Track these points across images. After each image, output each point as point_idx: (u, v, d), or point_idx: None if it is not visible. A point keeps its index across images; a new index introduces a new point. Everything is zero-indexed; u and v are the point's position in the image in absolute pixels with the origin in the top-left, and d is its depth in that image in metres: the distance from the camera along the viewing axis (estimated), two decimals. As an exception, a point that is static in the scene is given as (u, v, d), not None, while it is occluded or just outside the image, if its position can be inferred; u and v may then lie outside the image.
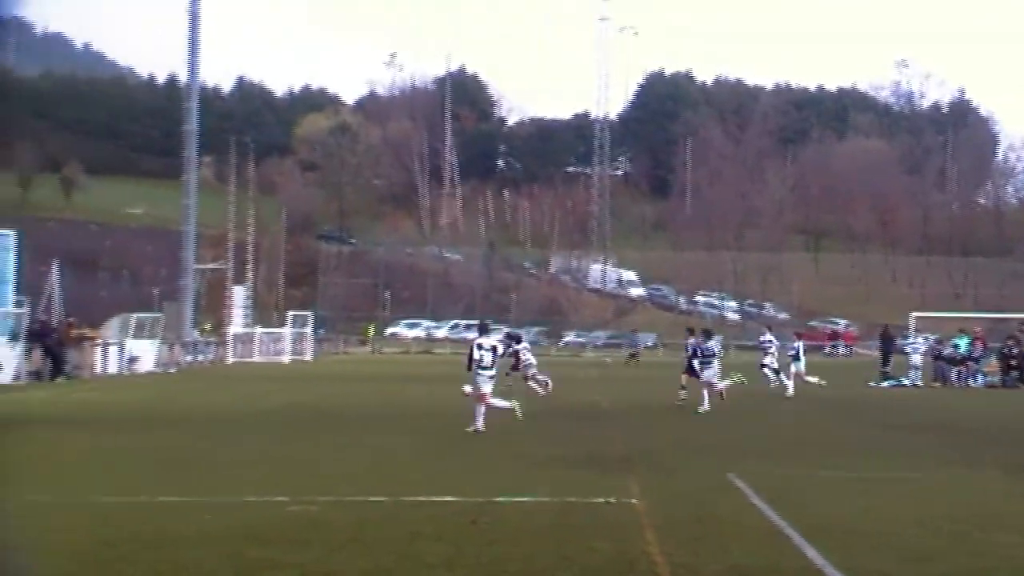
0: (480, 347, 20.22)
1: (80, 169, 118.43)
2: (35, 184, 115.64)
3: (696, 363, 27.09)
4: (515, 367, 30.07)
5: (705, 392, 25.98)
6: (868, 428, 22.95)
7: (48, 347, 36.90)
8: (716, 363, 26.93)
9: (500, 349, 21.73)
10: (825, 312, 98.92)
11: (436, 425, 22.38)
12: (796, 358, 33.30)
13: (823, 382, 33.38)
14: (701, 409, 25.37)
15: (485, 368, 20.03)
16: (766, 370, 32.86)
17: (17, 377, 35.26)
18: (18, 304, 39.99)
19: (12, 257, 39.51)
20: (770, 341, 33.89)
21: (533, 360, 31.15)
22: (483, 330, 21.40)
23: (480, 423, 19.76)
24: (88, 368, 39.56)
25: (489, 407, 20.12)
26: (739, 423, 23.83)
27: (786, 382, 32.09)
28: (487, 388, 20.12)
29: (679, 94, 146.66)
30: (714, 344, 27.96)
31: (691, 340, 28.81)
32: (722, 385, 26.79)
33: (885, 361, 42.52)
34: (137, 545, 9.90)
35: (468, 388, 20.26)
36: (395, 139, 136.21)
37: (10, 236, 39.77)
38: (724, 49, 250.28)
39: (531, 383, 29.55)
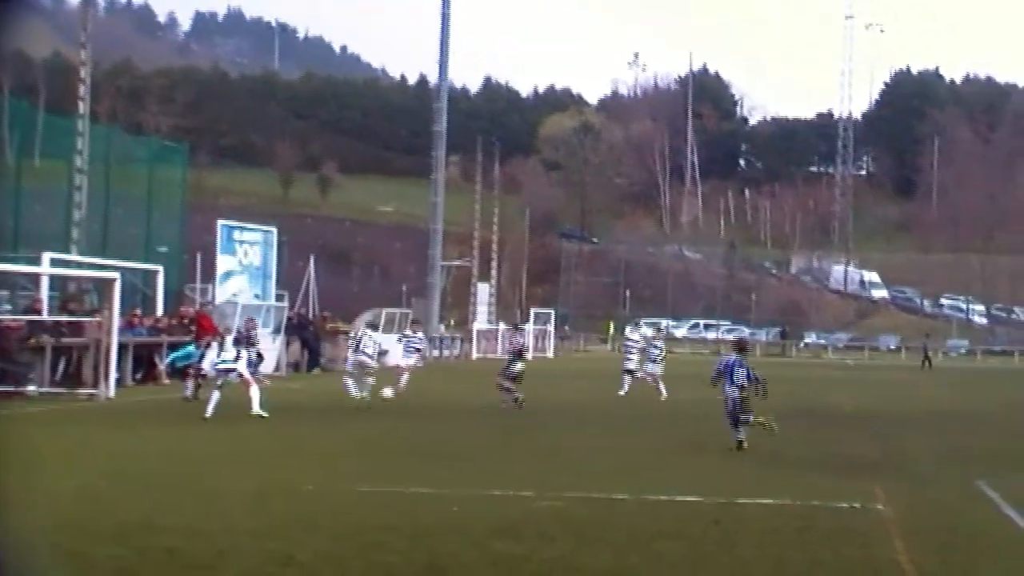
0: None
1: (336, 168, 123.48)
2: (295, 182, 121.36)
3: None
4: None
5: None
6: None
7: (305, 340, 38.65)
8: None
9: None
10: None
11: (678, 424, 22.49)
12: (653, 360, 29.74)
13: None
14: None
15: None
16: (625, 375, 30.34)
17: (277, 368, 37.16)
18: (279, 298, 42.14)
19: (274, 253, 41.58)
20: (635, 342, 31.24)
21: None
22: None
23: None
24: (342, 360, 41.18)
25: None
26: (987, 429, 23.01)
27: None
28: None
29: (926, 92, 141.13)
30: None
31: None
32: None
33: None
34: (392, 534, 10.37)
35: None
36: (637, 138, 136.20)
37: (273, 233, 41.86)
38: (974, 46, 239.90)
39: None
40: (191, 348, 24.97)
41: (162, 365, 29.39)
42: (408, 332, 28.83)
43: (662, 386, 28.58)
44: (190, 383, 24.68)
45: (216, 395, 20.82)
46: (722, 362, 18.63)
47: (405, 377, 26.89)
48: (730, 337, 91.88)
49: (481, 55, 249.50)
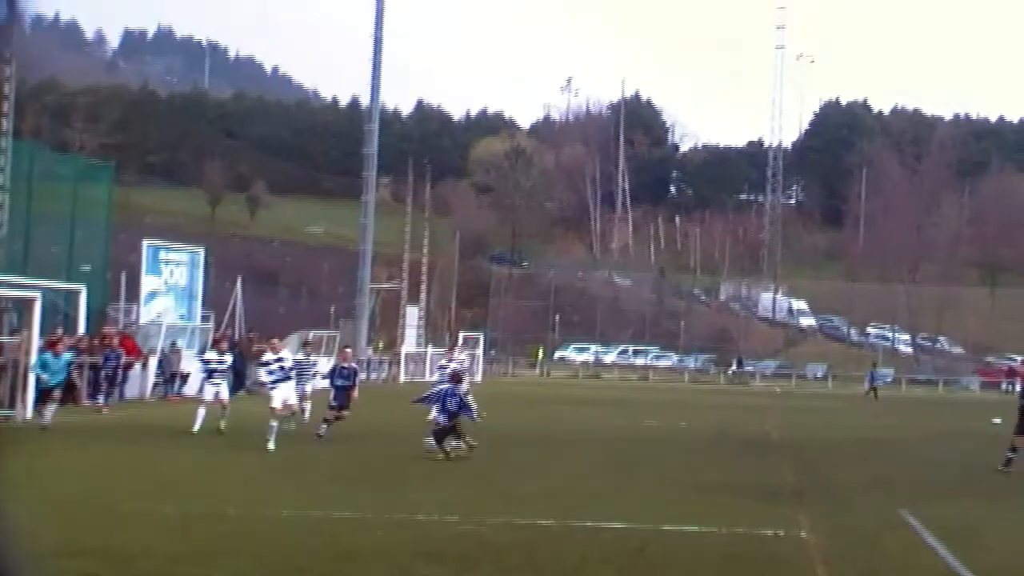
0: None
1: (265, 188, 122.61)
2: (224, 202, 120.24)
3: None
4: None
5: None
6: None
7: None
8: None
9: None
10: (1001, 348, 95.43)
11: (603, 450, 22.52)
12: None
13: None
14: None
15: None
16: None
17: (200, 390, 36.64)
18: (205, 319, 41.66)
19: (201, 273, 41.12)
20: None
21: None
22: None
23: None
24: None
25: None
26: (911, 458, 23.31)
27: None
28: None
29: (855, 123, 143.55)
30: None
31: None
32: None
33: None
34: (314, 559, 10.29)
35: None
36: (568, 163, 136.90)
37: (200, 253, 41.40)
38: (901, 78, 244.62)
39: None
40: (47, 356, 23.14)
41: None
42: (300, 356, 26.75)
43: None
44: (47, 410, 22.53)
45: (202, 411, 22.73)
46: (439, 390, 20.40)
47: (305, 405, 25.74)
48: (660, 364, 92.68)
49: (413, 77, 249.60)
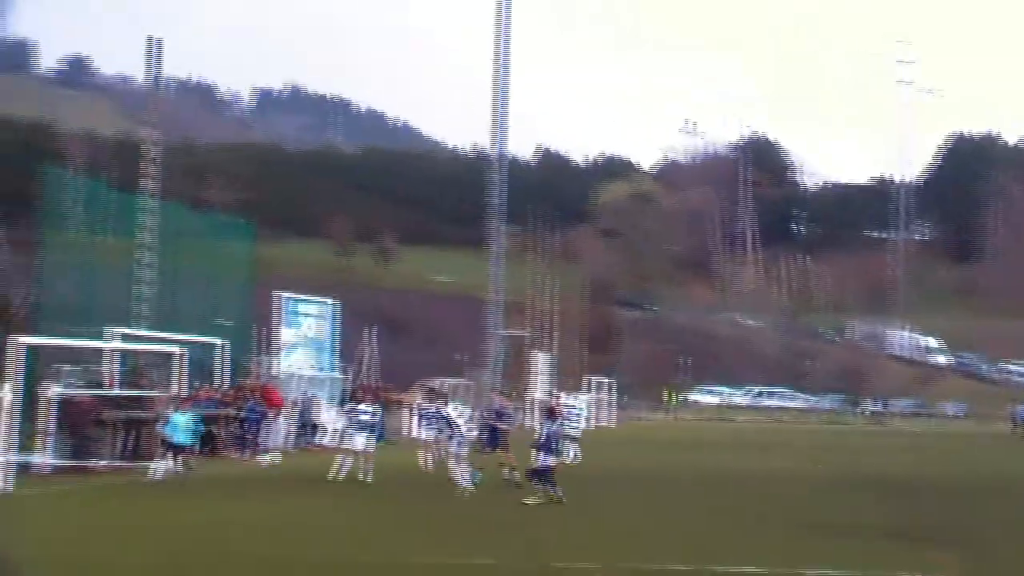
0: None
1: (393, 239, 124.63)
2: (353, 253, 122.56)
3: None
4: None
5: None
6: None
7: (368, 411, 38.77)
8: None
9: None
10: None
11: (735, 492, 22.46)
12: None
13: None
14: None
15: None
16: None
17: (345, 439, 37.34)
18: (339, 369, 42.52)
19: (335, 325, 42.03)
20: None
21: None
22: None
23: None
24: (401, 432, 41.30)
25: None
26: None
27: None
28: None
29: (984, 155, 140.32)
30: None
31: None
32: None
33: None
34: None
35: None
36: (693, 205, 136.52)
37: (334, 305, 42.35)
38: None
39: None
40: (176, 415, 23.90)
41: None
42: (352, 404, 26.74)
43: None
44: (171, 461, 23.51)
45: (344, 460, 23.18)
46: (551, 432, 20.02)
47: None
48: (790, 405, 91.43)
49: (536, 124, 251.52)
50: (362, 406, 24.42)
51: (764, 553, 13.92)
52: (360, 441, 23.53)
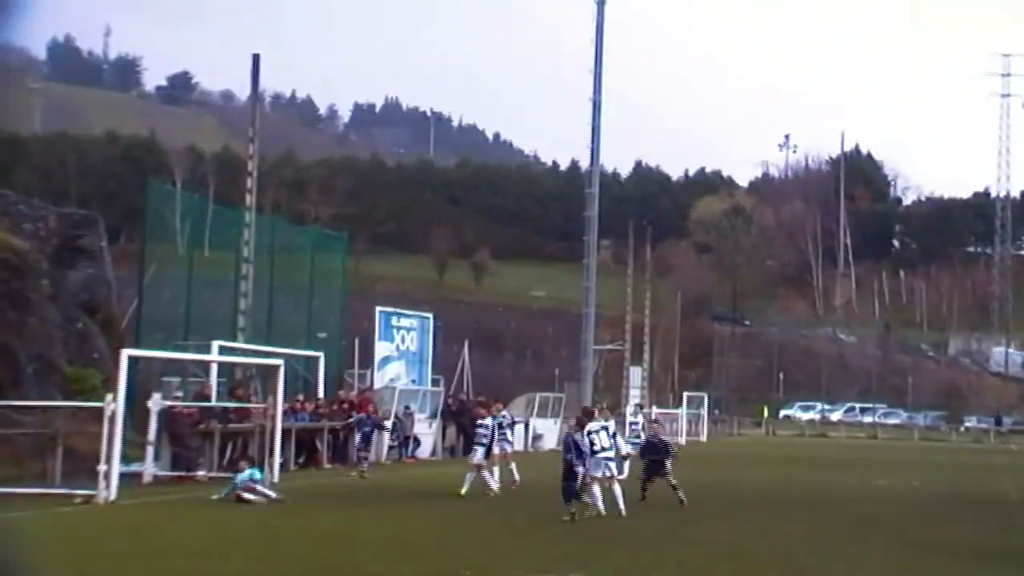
0: None
1: (488, 254, 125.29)
2: (449, 268, 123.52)
3: None
4: None
5: None
6: None
7: (462, 425, 39.06)
8: None
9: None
10: None
11: (834, 509, 22.22)
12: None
13: None
14: None
15: None
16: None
17: (433, 452, 37.78)
18: (435, 383, 42.88)
19: (430, 338, 42.44)
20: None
21: None
22: None
23: None
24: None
25: None
26: None
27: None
28: None
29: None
30: None
31: None
32: None
33: None
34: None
35: None
36: (788, 220, 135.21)
37: (430, 319, 42.77)
38: None
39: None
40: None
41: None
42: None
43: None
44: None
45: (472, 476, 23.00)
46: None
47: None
48: (888, 421, 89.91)
49: (631, 138, 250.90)
50: (487, 420, 23.76)
51: (867, 572, 13.78)
52: (479, 455, 23.43)
